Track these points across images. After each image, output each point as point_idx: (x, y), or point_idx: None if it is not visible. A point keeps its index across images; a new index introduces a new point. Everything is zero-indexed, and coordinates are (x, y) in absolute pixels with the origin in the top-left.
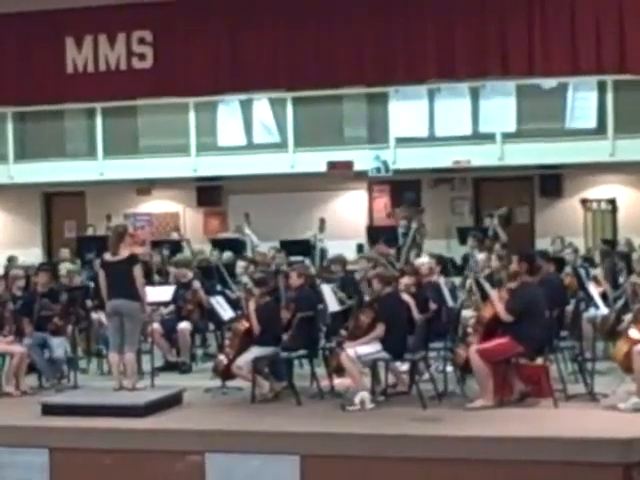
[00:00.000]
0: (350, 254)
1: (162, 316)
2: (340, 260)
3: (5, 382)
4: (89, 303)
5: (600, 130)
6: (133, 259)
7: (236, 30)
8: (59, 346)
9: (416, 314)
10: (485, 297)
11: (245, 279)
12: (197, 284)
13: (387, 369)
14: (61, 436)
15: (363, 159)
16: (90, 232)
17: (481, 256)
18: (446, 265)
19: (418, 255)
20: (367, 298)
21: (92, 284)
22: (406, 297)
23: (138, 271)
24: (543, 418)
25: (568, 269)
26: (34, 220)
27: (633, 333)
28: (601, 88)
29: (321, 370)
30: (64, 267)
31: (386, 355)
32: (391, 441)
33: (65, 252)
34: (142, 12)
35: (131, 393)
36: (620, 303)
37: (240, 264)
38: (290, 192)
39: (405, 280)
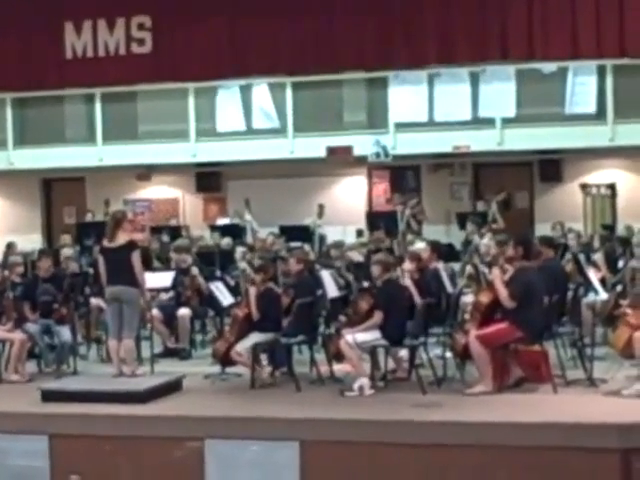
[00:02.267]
0: (350, 240)
1: (161, 302)
2: (340, 246)
3: (6, 369)
4: (88, 289)
5: (600, 115)
6: (132, 245)
7: (236, 15)
8: (64, 330)
9: (418, 299)
10: (481, 282)
11: (244, 265)
12: (195, 270)
13: (387, 355)
14: (61, 422)
15: (363, 144)
16: (89, 218)
17: (485, 241)
18: (441, 251)
19: (412, 241)
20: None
21: (91, 270)
22: (407, 283)
23: (136, 257)
24: (542, 403)
25: (569, 255)
26: (34, 206)
27: (631, 318)
28: (601, 73)
29: (321, 356)
30: (66, 252)
31: (385, 342)
32: (390, 427)
33: (66, 238)
34: None
35: (131, 379)
36: (619, 288)
37: (239, 250)
38: (289, 178)
39: (407, 266)
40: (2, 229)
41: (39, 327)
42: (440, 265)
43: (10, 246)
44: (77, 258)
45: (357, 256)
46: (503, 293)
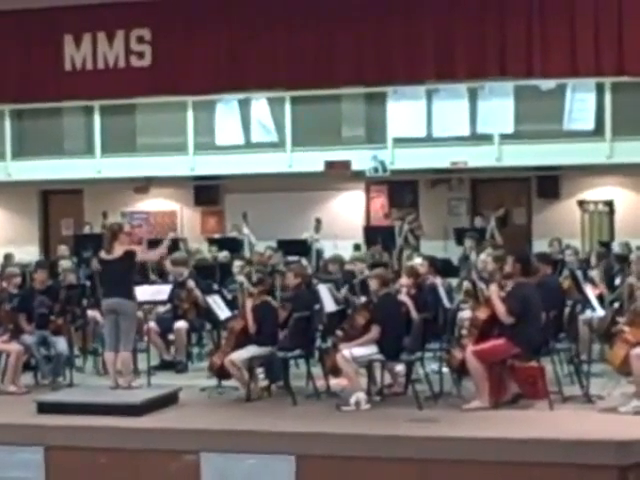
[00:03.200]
0: (347, 254)
1: (158, 315)
2: (338, 260)
3: (2, 381)
4: (85, 301)
5: (598, 132)
6: (129, 255)
7: (235, 29)
8: (59, 341)
9: (415, 315)
10: (479, 298)
11: (241, 278)
12: (191, 283)
13: (383, 369)
14: (56, 434)
15: (361, 159)
16: (87, 230)
17: (483, 257)
18: (438, 267)
19: (410, 256)
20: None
21: (88, 282)
22: (404, 298)
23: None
24: (539, 420)
25: (566, 272)
26: (31, 218)
27: (628, 335)
28: (599, 90)
29: (317, 370)
30: (64, 264)
31: (382, 357)
32: (386, 442)
33: (63, 249)
34: (141, 10)
35: (127, 392)
36: (616, 305)
37: (236, 263)
38: (288, 192)
39: (404, 281)
40: None
41: (35, 338)
42: (438, 280)
43: (7, 257)
44: (75, 270)
45: (365, 270)
46: (501, 309)
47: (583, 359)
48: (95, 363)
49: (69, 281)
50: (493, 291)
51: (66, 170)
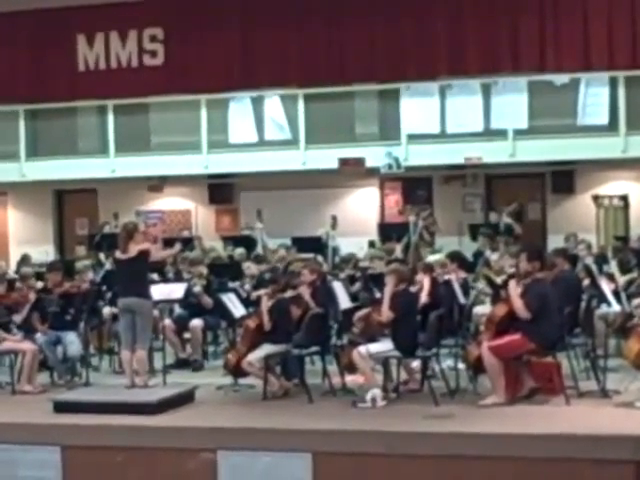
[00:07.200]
0: (362, 251)
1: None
2: (350, 259)
3: (19, 380)
4: (101, 301)
5: (612, 126)
6: (144, 254)
7: (248, 27)
8: (72, 343)
9: (425, 298)
10: (497, 295)
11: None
12: (197, 288)
13: (399, 366)
14: (73, 433)
15: (375, 156)
16: (106, 229)
17: (494, 257)
18: (463, 261)
19: (431, 252)
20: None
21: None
22: (425, 282)
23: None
24: (555, 415)
25: (580, 266)
26: (46, 217)
27: None
28: (613, 84)
29: (333, 367)
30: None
31: (398, 353)
32: (403, 438)
33: (81, 249)
34: (153, 9)
35: (143, 390)
36: (637, 301)
37: (246, 264)
38: (302, 189)
39: (420, 277)
40: (15, 240)
41: (47, 338)
42: (452, 276)
43: (24, 258)
44: (93, 268)
45: (382, 267)
46: (519, 304)
47: (599, 354)
48: (111, 362)
49: (87, 278)
50: (512, 287)
51: (80, 170)
